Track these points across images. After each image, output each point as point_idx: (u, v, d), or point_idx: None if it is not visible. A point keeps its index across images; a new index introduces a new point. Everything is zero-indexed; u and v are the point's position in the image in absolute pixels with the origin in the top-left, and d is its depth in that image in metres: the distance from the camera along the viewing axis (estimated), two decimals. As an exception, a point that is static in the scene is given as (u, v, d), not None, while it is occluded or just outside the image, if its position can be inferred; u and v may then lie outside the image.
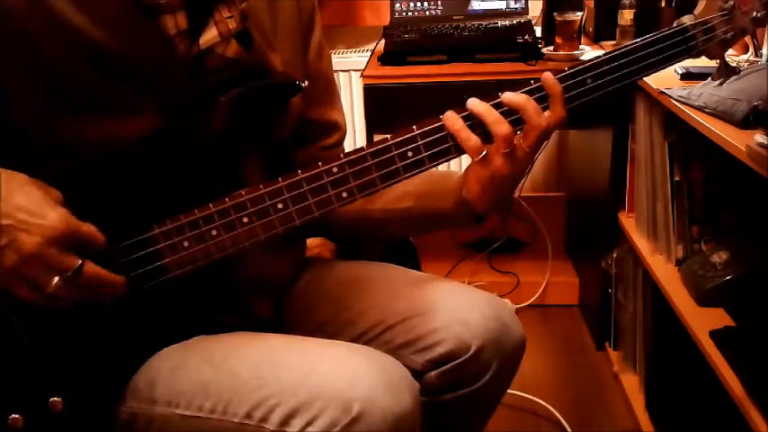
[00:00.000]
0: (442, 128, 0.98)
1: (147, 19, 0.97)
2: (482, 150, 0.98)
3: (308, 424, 0.87)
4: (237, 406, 0.91)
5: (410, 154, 0.98)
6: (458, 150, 0.99)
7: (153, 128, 0.97)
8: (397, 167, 0.98)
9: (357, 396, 0.88)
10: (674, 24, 1.02)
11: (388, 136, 0.99)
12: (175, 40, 0.99)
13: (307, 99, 1.15)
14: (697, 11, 1.02)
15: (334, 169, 0.97)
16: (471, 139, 0.98)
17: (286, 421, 0.89)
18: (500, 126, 0.97)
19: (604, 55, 1.00)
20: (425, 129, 0.98)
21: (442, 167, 1.02)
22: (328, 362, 0.93)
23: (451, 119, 0.98)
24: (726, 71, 1.05)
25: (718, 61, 1.05)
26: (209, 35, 0.99)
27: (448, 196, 1.07)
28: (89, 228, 0.92)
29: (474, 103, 0.99)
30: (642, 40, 1.00)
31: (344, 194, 0.98)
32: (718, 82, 1.09)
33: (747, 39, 1.06)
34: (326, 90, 1.22)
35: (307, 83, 1.05)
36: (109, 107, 0.97)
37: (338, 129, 1.23)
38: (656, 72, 1.01)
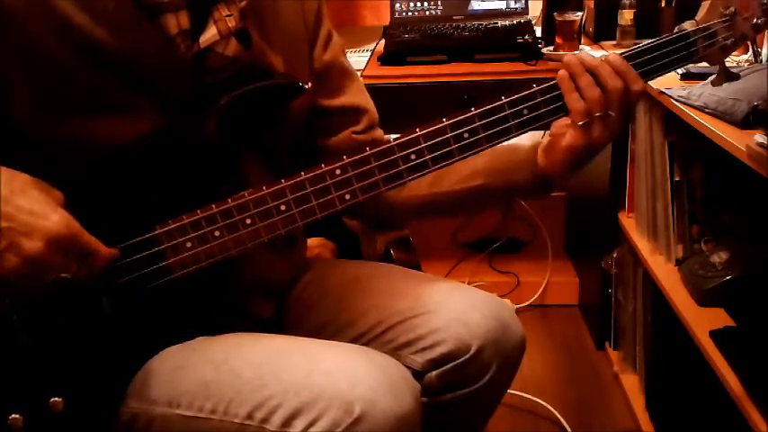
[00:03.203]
0: (446, 130, 0.98)
1: (148, 18, 0.97)
2: (587, 115, 0.98)
3: (310, 425, 0.87)
4: (239, 406, 0.91)
5: (413, 156, 0.98)
6: (462, 153, 0.99)
7: (153, 128, 0.98)
8: (400, 170, 0.98)
9: (358, 397, 0.88)
10: (676, 30, 1.02)
11: (391, 138, 0.99)
12: (176, 40, 0.99)
13: (326, 90, 1.16)
14: (698, 16, 1.02)
15: (338, 171, 0.97)
16: (581, 101, 0.98)
17: (288, 422, 0.88)
18: (615, 80, 0.98)
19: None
20: (429, 131, 0.98)
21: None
22: (329, 363, 0.93)
23: (565, 78, 0.98)
24: (726, 76, 1.05)
25: (719, 66, 1.05)
26: (209, 34, 1.00)
27: (522, 168, 1.07)
28: (90, 239, 0.91)
29: (582, 57, 0.99)
30: (643, 46, 1.00)
31: (347, 196, 0.98)
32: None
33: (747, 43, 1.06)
34: (342, 77, 1.20)
35: (310, 84, 1.05)
36: (109, 107, 0.97)
37: (364, 112, 1.21)
38: (656, 77, 1.02)
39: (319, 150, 1.18)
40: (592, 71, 0.98)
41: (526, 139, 1.06)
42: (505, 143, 1.03)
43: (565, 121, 1.02)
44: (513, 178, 1.09)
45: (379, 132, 1.23)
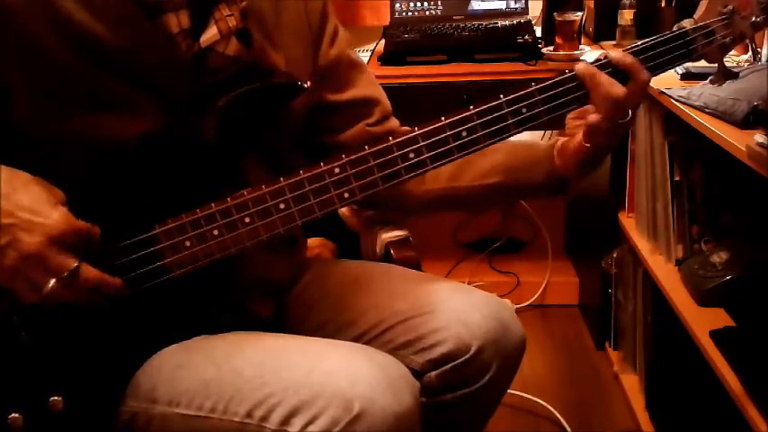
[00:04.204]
0: (444, 129, 0.98)
1: (149, 17, 0.98)
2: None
3: (309, 423, 0.87)
4: (238, 405, 0.91)
5: (412, 155, 0.98)
6: (460, 151, 0.99)
7: (153, 127, 0.98)
8: (398, 169, 0.98)
9: (358, 395, 0.88)
10: (675, 28, 1.02)
11: (390, 137, 0.99)
12: (177, 39, 0.99)
13: (335, 84, 1.16)
14: (697, 15, 1.02)
15: (336, 170, 0.97)
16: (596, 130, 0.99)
17: (287, 420, 0.89)
18: (643, 72, 0.98)
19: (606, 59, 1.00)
20: (427, 129, 0.98)
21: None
22: (329, 361, 0.93)
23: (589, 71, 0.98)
24: (724, 75, 1.05)
25: (717, 65, 1.05)
26: (210, 33, 1.00)
27: (540, 165, 1.08)
28: (89, 226, 0.92)
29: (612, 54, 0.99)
30: (642, 44, 1.00)
31: (346, 195, 0.98)
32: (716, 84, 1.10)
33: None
34: (350, 70, 1.20)
35: (309, 83, 1.04)
36: (109, 105, 0.97)
37: (376, 103, 1.21)
38: (655, 75, 1.02)
39: (333, 147, 1.17)
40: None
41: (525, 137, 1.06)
42: (525, 141, 1.03)
43: (575, 122, 1.02)
44: (531, 176, 1.09)
45: (393, 123, 1.22)
